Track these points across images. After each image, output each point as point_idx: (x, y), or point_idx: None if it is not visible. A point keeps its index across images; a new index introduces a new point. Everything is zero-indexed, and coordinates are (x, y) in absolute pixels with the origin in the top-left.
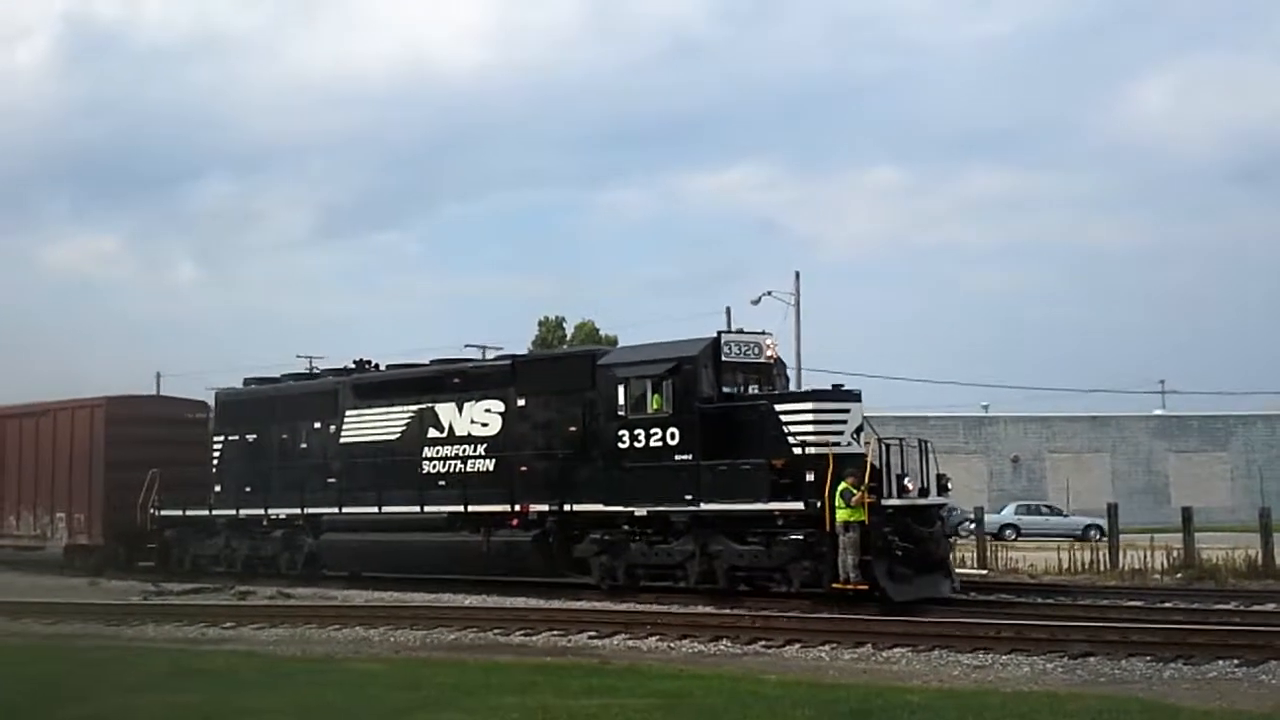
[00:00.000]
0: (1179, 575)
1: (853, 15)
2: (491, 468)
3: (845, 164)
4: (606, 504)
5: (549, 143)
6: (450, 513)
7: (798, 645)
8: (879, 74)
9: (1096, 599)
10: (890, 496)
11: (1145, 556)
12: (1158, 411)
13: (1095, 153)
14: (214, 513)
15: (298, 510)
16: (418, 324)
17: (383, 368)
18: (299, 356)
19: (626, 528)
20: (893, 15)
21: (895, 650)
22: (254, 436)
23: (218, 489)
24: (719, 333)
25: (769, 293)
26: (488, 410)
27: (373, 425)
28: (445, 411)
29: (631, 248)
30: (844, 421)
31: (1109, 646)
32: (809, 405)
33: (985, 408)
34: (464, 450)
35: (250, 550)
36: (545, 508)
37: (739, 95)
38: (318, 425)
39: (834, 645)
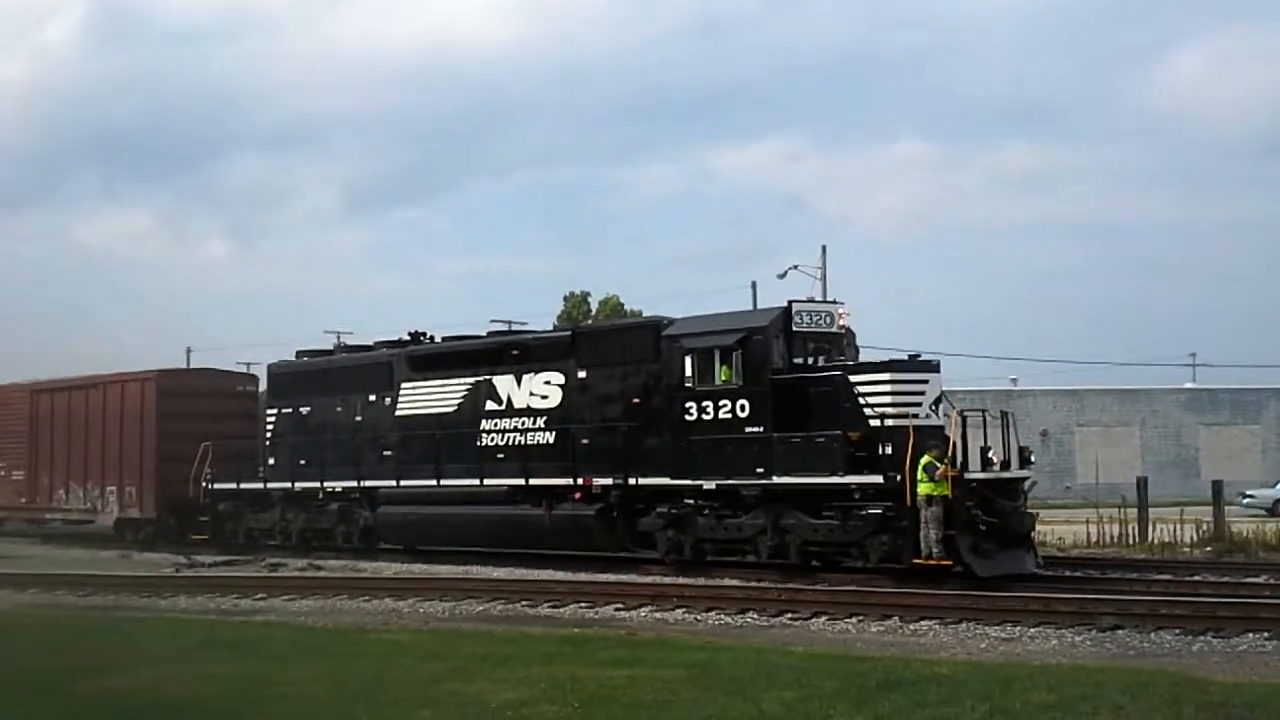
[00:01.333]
0: (1209, 549)
1: None
2: (552, 440)
3: (873, 139)
4: (673, 477)
5: (575, 119)
6: (510, 486)
7: (825, 618)
8: (908, 47)
9: (1125, 572)
10: (973, 470)
11: (1175, 530)
12: (1188, 385)
13: (1127, 126)
14: (268, 486)
15: (354, 483)
16: (445, 300)
17: (438, 340)
18: (326, 332)
19: (693, 501)
20: None
21: (922, 623)
22: (307, 409)
23: (271, 462)
24: (789, 302)
25: (795, 267)
26: (547, 382)
27: (429, 398)
28: (503, 383)
29: (657, 223)
30: (922, 393)
31: (1138, 619)
32: (886, 376)
33: (1014, 381)
34: (523, 423)
35: (305, 523)
36: (609, 481)
37: (767, 70)
38: (373, 398)
39: (861, 618)
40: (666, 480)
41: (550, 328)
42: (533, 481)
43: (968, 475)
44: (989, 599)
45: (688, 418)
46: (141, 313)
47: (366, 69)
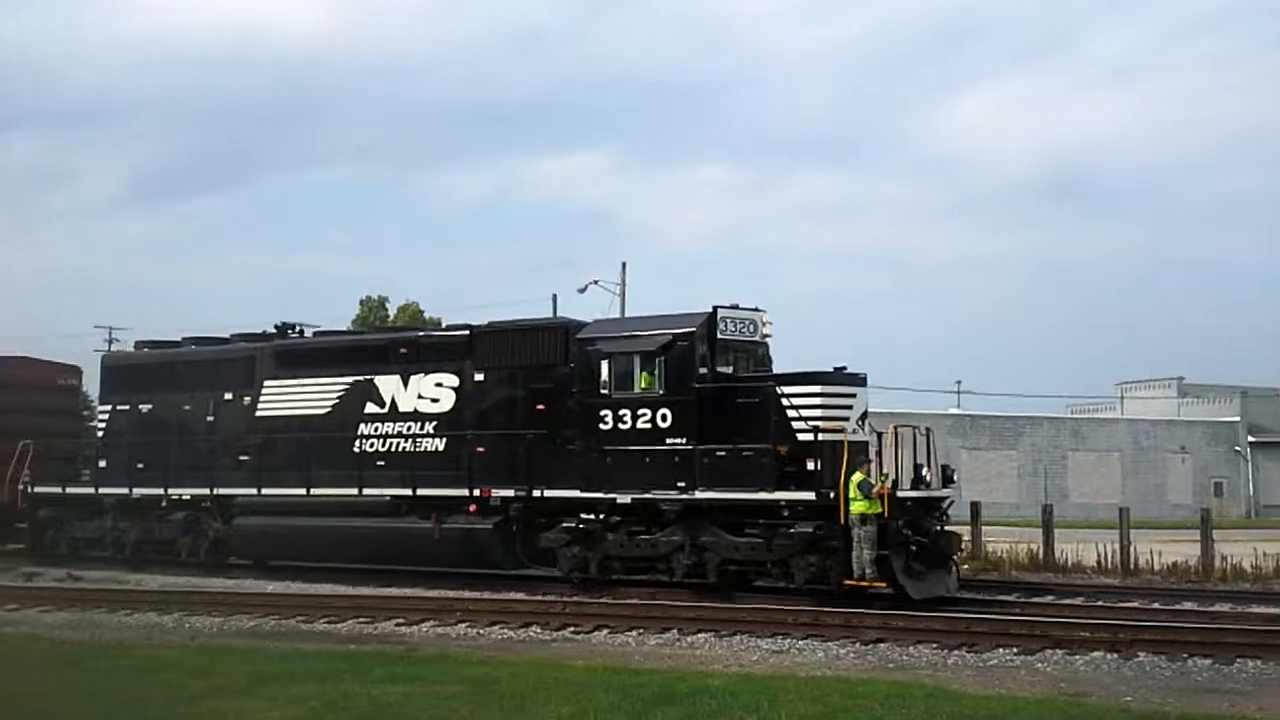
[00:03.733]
0: (965, 566)
1: (698, 10)
2: (442, 448)
3: (681, 159)
4: (584, 490)
5: (383, 119)
6: (394, 496)
7: (605, 631)
8: (718, 73)
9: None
10: (905, 488)
11: None
12: (953, 410)
13: (919, 162)
14: (100, 491)
15: (205, 490)
16: (232, 296)
17: (308, 335)
18: (97, 326)
19: (602, 516)
20: (732, 15)
21: (699, 635)
22: (148, 406)
23: (103, 464)
24: (714, 308)
25: (595, 281)
26: (439, 384)
27: (297, 397)
28: (387, 384)
29: (465, 231)
30: (850, 406)
31: (898, 633)
32: (816, 389)
33: None
34: (409, 427)
35: (142, 534)
36: (509, 493)
37: (580, 84)
38: (229, 396)
39: (641, 630)
40: (576, 493)
41: (449, 325)
42: (421, 492)
43: (899, 493)
44: (761, 611)
45: (602, 427)
46: None
47: (164, 48)
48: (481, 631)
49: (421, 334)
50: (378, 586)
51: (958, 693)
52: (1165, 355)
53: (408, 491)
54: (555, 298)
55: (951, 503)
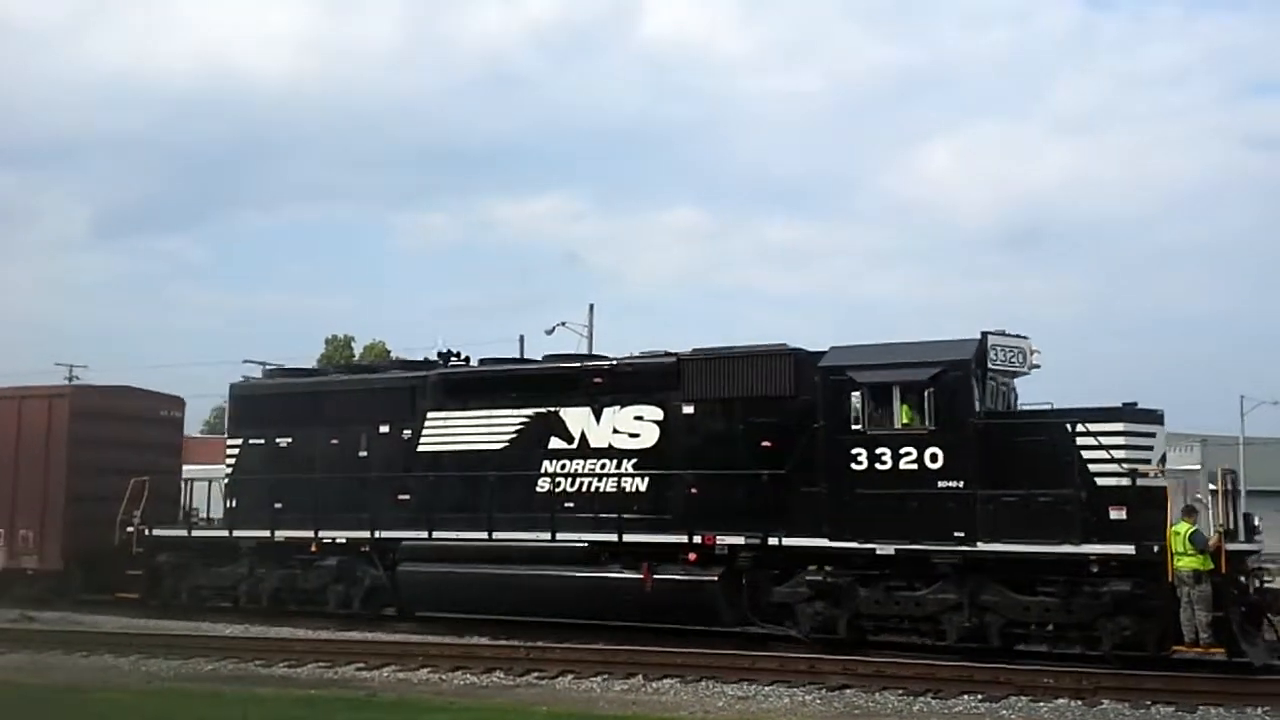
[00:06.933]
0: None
1: (666, 59)
2: (644, 488)
3: (649, 203)
4: (832, 539)
5: (353, 161)
6: (594, 543)
7: (570, 676)
8: (687, 119)
9: None
10: (1237, 541)
11: None
12: None
13: (881, 209)
14: (234, 534)
15: (364, 534)
16: (197, 337)
17: (474, 363)
18: (58, 364)
19: (852, 570)
20: (704, 62)
21: (665, 681)
22: (288, 441)
23: (232, 504)
24: (983, 333)
25: (563, 323)
26: (639, 418)
27: (468, 431)
28: (575, 417)
29: (432, 271)
30: (1151, 447)
31: (864, 680)
32: (1119, 426)
33: None
34: (603, 466)
35: (282, 582)
36: (738, 540)
37: (550, 128)
38: (385, 429)
39: (606, 676)
40: (822, 542)
41: (647, 353)
42: (628, 538)
43: (1229, 546)
44: (727, 657)
45: (854, 467)
46: None
47: (129, 89)
48: (444, 677)
49: (618, 362)
50: (337, 630)
51: None
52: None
53: (610, 537)
54: (522, 339)
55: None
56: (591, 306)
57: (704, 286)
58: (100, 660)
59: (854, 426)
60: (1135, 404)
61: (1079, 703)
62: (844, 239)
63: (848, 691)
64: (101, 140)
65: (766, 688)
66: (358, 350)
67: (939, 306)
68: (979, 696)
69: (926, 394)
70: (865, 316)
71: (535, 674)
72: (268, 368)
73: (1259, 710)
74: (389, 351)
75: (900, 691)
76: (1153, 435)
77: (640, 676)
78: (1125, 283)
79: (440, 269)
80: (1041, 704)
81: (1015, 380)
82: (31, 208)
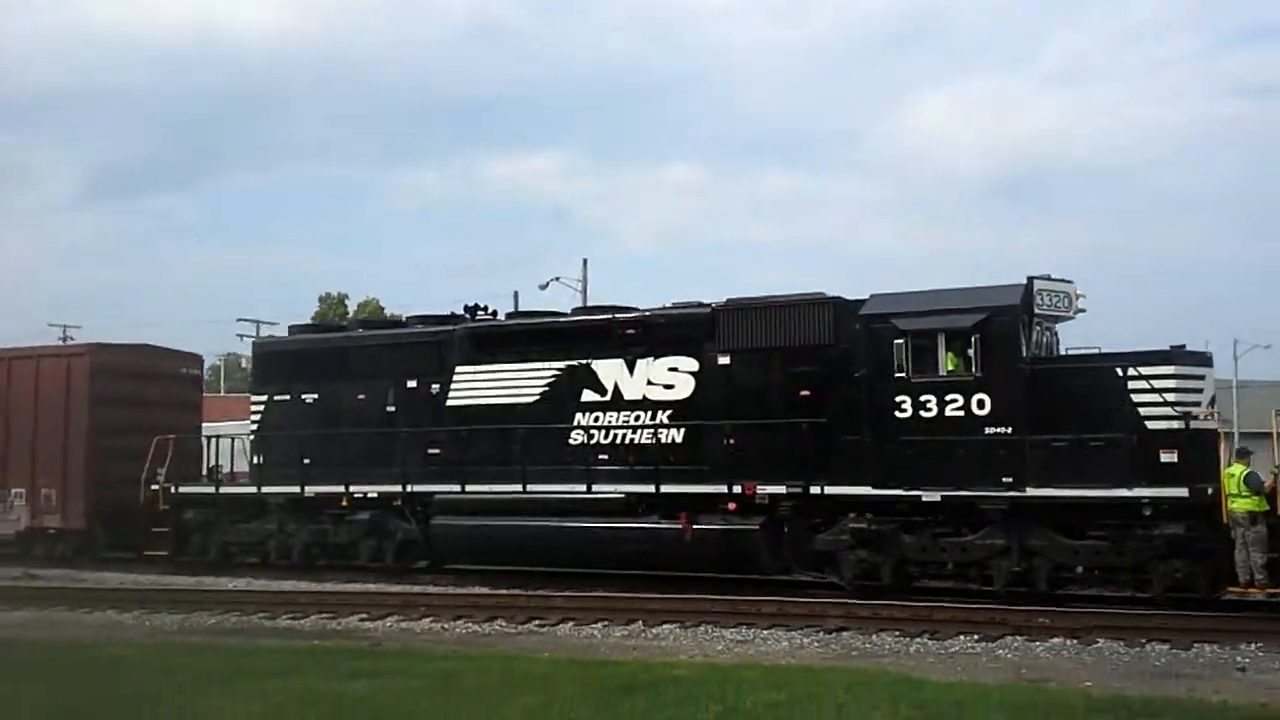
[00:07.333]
0: None
1: (654, 10)
2: (680, 439)
3: (643, 158)
4: (876, 486)
5: (344, 117)
6: (630, 494)
7: (571, 624)
8: (680, 71)
9: None
10: None
11: None
12: None
13: (877, 161)
14: (263, 490)
15: (397, 488)
16: (190, 297)
17: (501, 317)
18: (51, 325)
19: (898, 517)
20: (694, 13)
21: (664, 627)
22: (313, 397)
23: (258, 461)
24: (1029, 278)
25: (557, 278)
26: (673, 369)
27: (498, 385)
28: (608, 369)
29: (425, 227)
30: (1201, 390)
31: (861, 622)
32: (1170, 369)
33: None
34: (638, 417)
35: (313, 537)
36: (779, 489)
37: (543, 84)
38: (413, 384)
39: (606, 623)
40: (867, 490)
41: (681, 303)
42: (666, 488)
43: None
44: (727, 602)
45: (898, 415)
46: None
47: (123, 45)
48: (446, 626)
49: (651, 313)
50: (340, 583)
51: (920, 680)
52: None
53: (648, 488)
54: (516, 294)
55: None
56: (585, 261)
57: (698, 240)
58: (104, 616)
59: (897, 374)
60: (1184, 346)
61: (1074, 642)
62: (838, 191)
63: (845, 634)
64: (92, 97)
65: (765, 631)
66: (351, 308)
67: (935, 257)
68: (975, 637)
69: (973, 340)
70: (862, 270)
71: (537, 621)
72: (291, 325)
73: (1252, 646)
74: (383, 309)
75: (897, 633)
76: (1202, 377)
77: (640, 622)
78: (1121, 230)
79: (434, 227)
80: (1037, 643)
81: (1057, 325)
82: (20, 167)
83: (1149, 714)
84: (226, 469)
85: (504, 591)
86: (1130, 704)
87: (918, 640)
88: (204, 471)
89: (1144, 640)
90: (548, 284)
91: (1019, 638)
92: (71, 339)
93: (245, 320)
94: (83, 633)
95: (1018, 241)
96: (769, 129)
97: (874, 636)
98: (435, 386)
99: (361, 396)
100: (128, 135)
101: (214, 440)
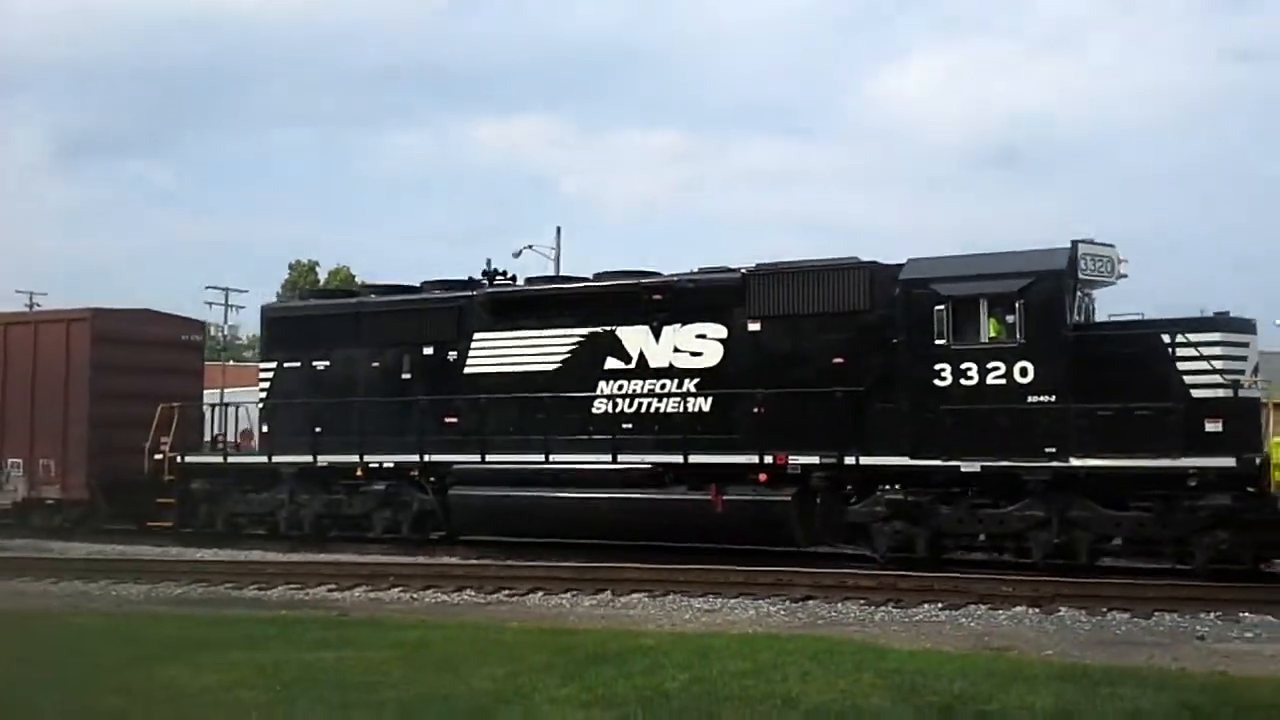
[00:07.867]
0: None
1: None
2: (708, 408)
3: (625, 124)
4: (914, 456)
5: (322, 82)
6: (657, 464)
7: (540, 593)
8: (665, 39)
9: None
10: None
11: None
12: None
13: (862, 129)
14: (274, 459)
15: (414, 457)
16: (163, 263)
17: (520, 282)
18: (19, 291)
19: (932, 489)
20: None
21: (633, 596)
22: (325, 364)
23: (265, 429)
24: (1073, 242)
25: (530, 246)
26: (701, 336)
27: (518, 352)
28: (633, 336)
29: (402, 195)
30: (1245, 357)
31: (827, 591)
32: (1217, 336)
33: None
34: (664, 386)
35: (325, 508)
36: (812, 459)
37: (525, 50)
38: (429, 351)
39: (575, 592)
40: (903, 460)
41: (711, 268)
42: (694, 459)
43: None
44: (694, 571)
45: (938, 383)
46: None
47: (96, 7)
48: (415, 596)
49: (678, 278)
50: (309, 553)
51: (884, 648)
52: None
53: (675, 458)
54: (489, 261)
55: None
56: (559, 229)
57: (681, 209)
58: (70, 586)
59: (937, 341)
60: (1228, 313)
61: (1036, 610)
62: (822, 159)
63: (811, 602)
64: (65, 61)
65: (732, 600)
66: (322, 276)
67: (919, 226)
68: (939, 605)
69: (1017, 306)
70: (846, 237)
71: (506, 591)
72: (302, 290)
73: (1211, 615)
74: (354, 277)
75: (862, 601)
76: (1247, 345)
77: (610, 592)
78: (1108, 200)
79: (409, 193)
80: (1000, 611)
81: (1095, 290)
82: None
83: (1108, 682)
84: (231, 439)
85: (473, 562)
86: (1090, 673)
87: (883, 609)
88: (211, 440)
89: (1104, 609)
90: (520, 251)
91: (982, 606)
92: (38, 305)
93: (214, 288)
94: (49, 603)
95: (1006, 210)
96: (751, 97)
97: (840, 605)
98: (453, 353)
99: (375, 364)
100: (99, 98)
101: (224, 408)
